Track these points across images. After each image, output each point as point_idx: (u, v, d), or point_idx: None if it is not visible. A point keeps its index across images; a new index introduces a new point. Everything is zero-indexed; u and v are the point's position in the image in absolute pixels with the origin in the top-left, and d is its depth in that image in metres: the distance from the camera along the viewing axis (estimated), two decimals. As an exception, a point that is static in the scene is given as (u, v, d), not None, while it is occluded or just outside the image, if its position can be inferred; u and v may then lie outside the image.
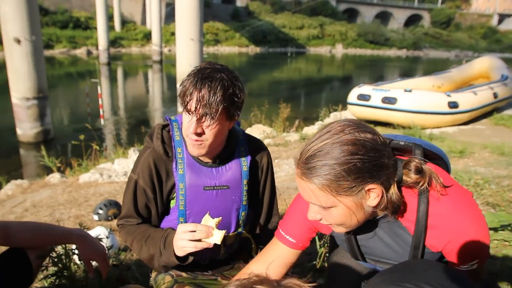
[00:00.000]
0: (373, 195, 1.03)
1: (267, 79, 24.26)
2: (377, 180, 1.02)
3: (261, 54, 42.59)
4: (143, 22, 40.46)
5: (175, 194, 1.51)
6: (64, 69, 26.40)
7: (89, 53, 34.12)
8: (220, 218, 1.35)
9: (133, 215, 1.53)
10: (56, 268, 1.89)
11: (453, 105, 8.09)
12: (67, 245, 1.87)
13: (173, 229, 1.44)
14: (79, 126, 10.33)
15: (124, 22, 39.30)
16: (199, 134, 1.37)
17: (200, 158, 1.50)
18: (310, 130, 8.31)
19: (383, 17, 59.94)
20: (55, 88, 17.32)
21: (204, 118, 1.33)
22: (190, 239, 1.30)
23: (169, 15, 38.59)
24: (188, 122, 1.37)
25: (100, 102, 11.52)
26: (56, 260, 1.87)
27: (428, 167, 1.10)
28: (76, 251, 1.88)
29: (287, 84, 23.19)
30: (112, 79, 23.15)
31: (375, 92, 8.67)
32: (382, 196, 1.04)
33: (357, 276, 1.41)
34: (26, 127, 9.76)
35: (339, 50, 51.02)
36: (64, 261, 1.90)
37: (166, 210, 1.57)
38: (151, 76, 25.76)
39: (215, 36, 42.71)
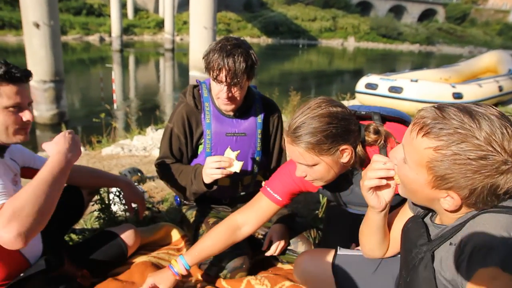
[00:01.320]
0: (345, 154, 1.35)
1: (278, 70, 24.35)
2: (348, 142, 1.34)
3: (273, 45, 42.50)
4: (156, 10, 40.53)
5: (202, 140, 1.89)
6: (77, 55, 26.68)
7: (101, 40, 34.33)
8: (239, 151, 1.68)
9: (168, 156, 1.91)
10: (100, 207, 2.29)
11: (458, 96, 8.22)
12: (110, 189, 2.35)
13: (201, 165, 1.78)
14: (92, 110, 10.59)
15: (137, 10, 39.41)
16: (229, 97, 1.76)
17: (223, 111, 1.88)
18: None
19: (397, 11, 59.24)
20: (68, 73, 17.58)
21: (233, 85, 1.74)
22: (217, 167, 1.63)
23: (182, 4, 38.63)
24: (219, 90, 1.76)
25: (113, 87, 11.77)
26: (100, 201, 2.27)
27: (384, 128, 1.41)
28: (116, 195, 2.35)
29: (298, 75, 23.26)
30: (124, 66, 23.38)
31: (383, 82, 8.83)
32: (352, 153, 1.36)
33: (345, 218, 1.73)
34: (42, 109, 10.06)
35: (351, 43, 50.68)
36: (106, 202, 2.32)
37: (194, 154, 1.95)
38: (163, 64, 25.93)
39: (227, 26, 42.70)
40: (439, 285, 0.98)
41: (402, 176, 1.04)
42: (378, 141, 1.41)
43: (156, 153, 5.21)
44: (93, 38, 34.51)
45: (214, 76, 1.73)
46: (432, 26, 57.73)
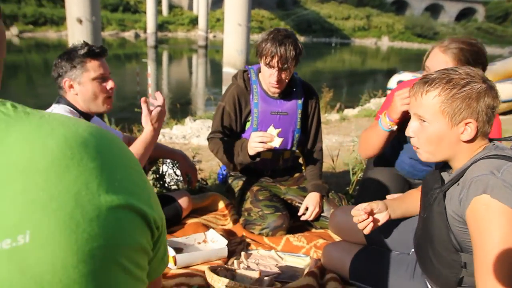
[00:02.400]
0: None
1: (311, 68, 24.39)
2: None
3: (305, 43, 42.10)
4: (190, 7, 41.20)
5: (250, 118, 2.18)
6: (113, 51, 27.45)
7: (137, 36, 35.20)
8: (280, 129, 1.94)
9: (219, 131, 2.20)
10: (156, 176, 2.63)
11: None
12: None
13: (247, 139, 2.06)
14: (129, 103, 11.03)
15: (171, 7, 40.19)
16: (279, 80, 2.04)
17: (269, 93, 2.17)
18: (351, 112, 8.62)
19: (434, 10, 57.92)
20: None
21: (283, 70, 2.03)
22: (260, 141, 1.91)
23: (216, 1, 39.12)
24: (270, 74, 2.06)
25: (149, 82, 12.20)
26: (155, 171, 2.60)
27: None
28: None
29: (330, 73, 23.25)
30: (159, 62, 23.93)
31: (414, 78, 8.88)
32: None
33: (384, 183, 2.04)
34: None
35: (385, 42, 50.00)
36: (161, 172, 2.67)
37: (242, 129, 2.24)
38: (196, 60, 26.39)
39: (260, 24, 42.94)
40: (449, 217, 1.22)
41: (428, 137, 1.25)
42: None
43: (194, 141, 5.52)
44: (129, 34, 35.41)
45: (267, 62, 2.01)
46: (470, 26, 56.15)
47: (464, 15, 59.87)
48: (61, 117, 0.55)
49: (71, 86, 1.77)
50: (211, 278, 1.53)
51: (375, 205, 1.50)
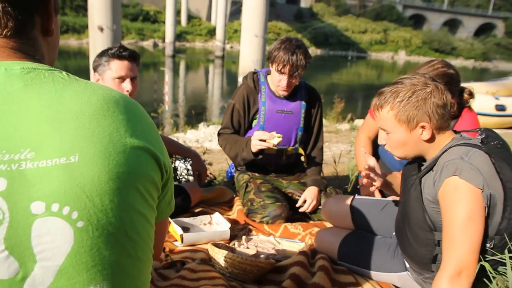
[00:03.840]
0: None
1: (326, 80, 24.57)
2: None
3: (322, 56, 42.67)
4: (208, 18, 41.87)
5: (257, 116, 2.41)
6: (133, 59, 27.97)
7: (155, 45, 35.82)
8: (281, 134, 2.15)
9: (229, 127, 2.43)
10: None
11: (500, 107, 8.27)
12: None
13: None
14: (145, 109, 11.33)
15: (190, 17, 40.85)
16: (288, 85, 2.28)
17: (276, 93, 2.40)
18: (361, 122, 8.78)
19: (452, 24, 57.74)
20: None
21: (293, 77, 2.26)
22: (260, 139, 2.13)
23: (234, 13, 39.72)
24: (280, 79, 2.28)
25: (166, 89, 12.52)
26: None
27: None
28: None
29: (346, 86, 23.36)
30: (176, 71, 24.37)
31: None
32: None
33: None
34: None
35: (402, 56, 49.92)
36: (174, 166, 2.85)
37: (249, 126, 2.46)
38: (212, 70, 26.77)
39: (277, 36, 43.32)
40: (424, 200, 1.41)
41: (394, 143, 1.47)
42: None
43: (206, 145, 5.76)
44: (148, 43, 36.06)
45: (279, 69, 2.24)
46: (489, 41, 55.70)
47: (483, 30, 59.43)
48: (100, 84, 0.76)
49: (97, 80, 2.00)
50: (213, 251, 1.73)
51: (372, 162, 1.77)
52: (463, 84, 2.15)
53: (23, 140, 0.63)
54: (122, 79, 1.99)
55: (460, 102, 2.14)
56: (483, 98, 8.54)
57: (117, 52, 1.97)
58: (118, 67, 1.97)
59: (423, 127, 1.39)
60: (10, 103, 0.65)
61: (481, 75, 38.13)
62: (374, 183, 1.73)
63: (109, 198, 0.66)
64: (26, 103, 0.65)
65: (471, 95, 2.15)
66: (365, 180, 1.72)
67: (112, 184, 0.67)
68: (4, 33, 0.70)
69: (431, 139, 1.41)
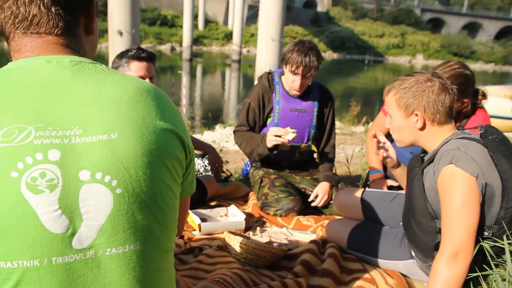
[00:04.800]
0: None
1: (342, 84, 24.54)
2: None
3: (338, 60, 42.62)
4: (225, 22, 42.19)
5: (271, 114, 2.52)
6: (151, 63, 28.33)
7: (172, 49, 36.25)
8: (295, 130, 2.25)
9: (244, 125, 2.55)
10: None
11: (517, 111, 8.23)
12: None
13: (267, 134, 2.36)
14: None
15: (207, 21, 41.22)
16: (301, 85, 2.39)
17: (290, 93, 2.51)
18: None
19: (472, 28, 56.90)
20: (144, 78, 18.96)
21: (306, 77, 2.38)
22: (275, 134, 2.23)
23: (250, 17, 40.00)
24: (293, 79, 2.40)
25: (183, 92, 12.72)
26: None
27: None
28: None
29: (362, 90, 23.26)
30: (193, 74, 24.64)
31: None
32: None
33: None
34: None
35: (420, 61, 49.47)
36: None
37: (264, 124, 2.57)
38: (229, 74, 26.96)
39: (294, 40, 43.39)
40: (426, 190, 1.51)
41: (393, 127, 1.61)
42: None
43: (223, 145, 5.89)
44: (165, 47, 36.51)
45: (292, 70, 2.35)
46: (510, 45, 54.87)
47: (504, 33, 58.41)
48: (133, 76, 0.89)
49: None
50: (228, 237, 1.85)
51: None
52: (479, 87, 2.24)
53: (72, 119, 0.75)
54: (142, 78, 2.13)
55: (474, 102, 2.21)
56: (500, 101, 8.51)
57: (136, 53, 2.11)
58: (137, 67, 2.12)
59: (416, 115, 1.52)
60: (62, 89, 0.78)
61: (502, 79, 37.49)
62: (386, 152, 1.89)
63: (142, 170, 0.78)
64: (74, 89, 0.78)
65: (484, 96, 2.23)
66: (375, 145, 1.89)
67: (145, 158, 0.79)
68: (55, 31, 0.83)
69: (424, 128, 1.53)
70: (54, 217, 0.72)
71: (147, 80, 2.14)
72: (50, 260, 0.72)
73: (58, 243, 0.72)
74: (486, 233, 1.45)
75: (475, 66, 47.95)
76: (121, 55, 2.14)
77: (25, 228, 0.70)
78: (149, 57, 2.16)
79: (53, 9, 0.81)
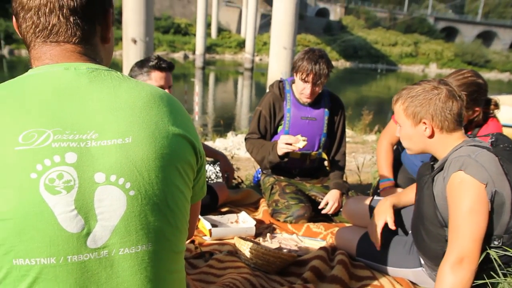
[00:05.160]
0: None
1: (355, 93, 24.51)
2: None
3: (351, 69, 42.53)
4: (238, 30, 42.47)
5: (282, 122, 2.54)
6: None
7: (185, 57, 36.54)
8: (306, 138, 2.26)
9: (255, 132, 2.57)
10: None
11: (532, 121, 8.13)
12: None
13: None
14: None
15: (220, 30, 41.51)
16: (311, 93, 2.41)
17: (301, 101, 2.53)
18: (387, 134, 8.74)
19: (486, 37, 56.33)
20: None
21: (317, 85, 2.40)
22: (286, 142, 2.25)
23: (263, 26, 40.20)
24: (304, 87, 2.42)
25: (196, 100, 12.83)
26: None
27: None
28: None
29: (374, 99, 23.22)
30: (205, 82, 24.82)
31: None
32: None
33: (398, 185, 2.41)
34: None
35: (433, 69, 49.09)
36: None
37: (275, 132, 2.60)
38: (241, 82, 27.11)
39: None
40: (436, 197, 1.52)
41: (403, 135, 1.63)
42: None
43: (235, 152, 5.92)
44: (178, 55, 36.80)
45: (303, 78, 2.38)
46: (527, 53, 54.15)
47: (520, 42, 57.77)
48: (146, 83, 0.92)
49: None
50: (239, 243, 1.87)
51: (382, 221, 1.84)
52: (492, 96, 2.24)
53: (89, 123, 0.79)
54: (161, 88, 2.18)
55: (486, 111, 2.21)
56: (514, 110, 8.43)
57: (157, 64, 2.16)
58: (158, 77, 2.17)
59: (424, 123, 1.53)
60: (79, 95, 0.81)
61: (517, 89, 37.04)
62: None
63: (155, 173, 0.81)
64: (91, 95, 0.82)
65: (497, 106, 2.23)
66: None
67: (158, 162, 0.82)
68: (73, 40, 0.87)
69: (433, 136, 1.54)
70: (71, 217, 0.75)
71: (166, 90, 2.18)
72: (66, 258, 0.75)
73: (74, 242, 0.75)
74: (496, 242, 1.45)
75: (490, 75, 47.43)
76: (142, 64, 2.18)
77: (43, 227, 0.73)
78: (169, 67, 2.22)
79: (71, 19, 0.85)
